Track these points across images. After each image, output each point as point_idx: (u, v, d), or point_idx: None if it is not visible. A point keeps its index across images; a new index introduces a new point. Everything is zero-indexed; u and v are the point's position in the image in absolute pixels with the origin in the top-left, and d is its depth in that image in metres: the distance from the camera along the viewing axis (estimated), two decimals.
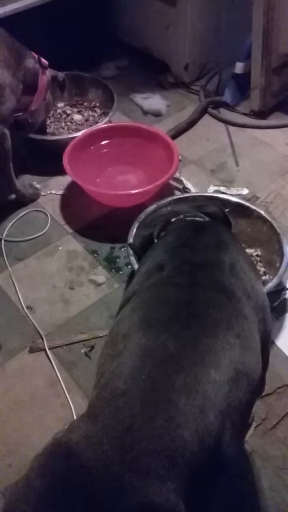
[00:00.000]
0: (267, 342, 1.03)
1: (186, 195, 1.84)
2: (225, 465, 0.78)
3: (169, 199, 1.74)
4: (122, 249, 1.77)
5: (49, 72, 1.94)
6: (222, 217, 1.22)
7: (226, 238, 1.07)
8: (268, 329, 1.03)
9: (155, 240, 1.17)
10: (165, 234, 1.13)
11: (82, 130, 2.09)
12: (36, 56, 1.86)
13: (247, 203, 1.71)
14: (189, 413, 0.73)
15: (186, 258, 1.00)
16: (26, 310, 1.60)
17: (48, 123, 2.18)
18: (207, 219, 1.17)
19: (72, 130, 2.18)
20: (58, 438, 0.75)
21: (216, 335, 0.84)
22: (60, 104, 2.29)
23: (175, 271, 0.98)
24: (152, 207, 1.69)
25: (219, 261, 0.98)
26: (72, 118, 2.25)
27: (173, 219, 1.18)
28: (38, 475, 0.71)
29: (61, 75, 2.02)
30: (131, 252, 1.56)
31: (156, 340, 0.83)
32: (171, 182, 1.97)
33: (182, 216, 1.17)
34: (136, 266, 1.52)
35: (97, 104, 2.31)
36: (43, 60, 1.87)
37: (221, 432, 0.75)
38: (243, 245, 1.67)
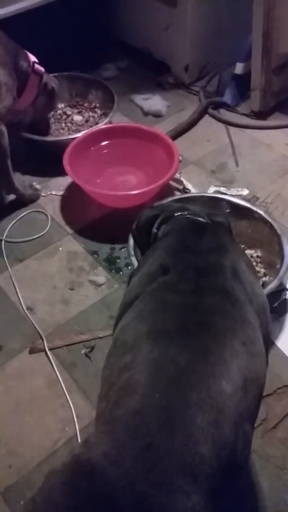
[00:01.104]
0: (267, 343, 1.03)
1: (186, 195, 1.84)
2: (238, 471, 0.79)
3: (170, 199, 1.74)
4: (122, 250, 1.77)
5: (44, 79, 1.94)
6: (227, 228, 1.23)
7: (227, 241, 1.08)
8: (268, 331, 1.03)
9: (155, 231, 1.17)
10: (166, 234, 1.13)
11: (82, 131, 2.09)
12: (31, 60, 1.86)
13: (247, 204, 1.71)
14: (205, 429, 0.74)
15: (189, 262, 1.00)
16: (26, 311, 1.61)
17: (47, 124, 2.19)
18: (208, 220, 1.17)
19: (72, 131, 2.18)
20: (78, 455, 0.74)
21: (224, 344, 0.84)
22: (61, 105, 2.29)
23: (179, 276, 0.97)
24: None
25: (221, 266, 0.98)
26: (72, 119, 2.25)
27: (176, 214, 1.18)
28: (61, 492, 0.71)
29: (50, 84, 2.00)
30: (132, 252, 1.56)
31: (166, 354, 0.82)
32: (171, 182, 1.97)
33: (186, 212, 1.17)
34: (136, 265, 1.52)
35: (97, 105, 2.31)
36: (37, 66, 1.87)
37: (234, 442, 0.76)
38: (243, 246, 1.67)
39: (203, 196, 1.78)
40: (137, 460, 0.70)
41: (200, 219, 1.15)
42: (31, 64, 1.86)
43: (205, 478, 0.71)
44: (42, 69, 1.90)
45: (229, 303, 0.92)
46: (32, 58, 1.88)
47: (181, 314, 0.90)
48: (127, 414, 0.76)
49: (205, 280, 0.96)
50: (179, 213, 1.17)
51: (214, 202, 1.72)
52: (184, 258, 1.01)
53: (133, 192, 1.82)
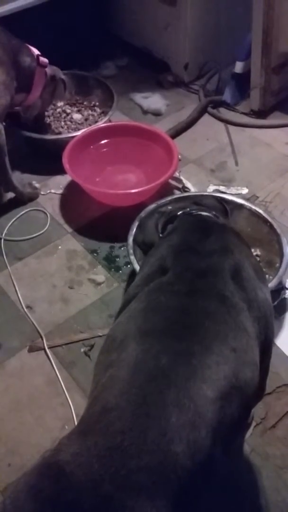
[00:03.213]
0: (268, 348, 1.02)
1: (185, 194, 1.84)
2: (215, 475, 0.77)
3: (169, 198, 1.74)
4: (122, 248, 1.77)
5: (49, 71, 1.94)
6: (220, 208, 1.21)
7: (232, 242, 1.05)
8: (270, 336, 1.01)
9: (159, 234, 1.16)
10: (171, 231, 1.12)
11: (81, 129, 2.09)
12: (35, 53, 1.86)
13: (246, 203, 1.71)
14: (180, 429, 0.72)
15: (189, 264, 0.98)
16: (25, 309, 1.60)
17: (48, 122, 2.19)
18: (213, 213, 1.16)
19: (72, 129, 2.18)
20: (47, 457, 0.73)
21: (211, 349, 0.83)
22: (60, 103, 2.29)
23: (176, 277, 0.96)
24: (152, 206, 1.69)
25: (222, 269, 0.96)
26: (71, 117, 2.25)
27: (179, 212, 1.17)
28: (27, 496, 0.70)
29: (59, 75, 2.01)
30: (131, 251, 1.56)
31: (149, 352, 0.81)
32: (171, 181, 1.97)
33: (188, 209, 1.16)
34: (136, 265, 1.52)
35: (97, 103, 2.31)
36: (42, 58, 1.87)
37: (212, 447, 0.74)
38: None
39: (202, 194, 1.78)
40: (105, 460, 0.69)
41: (204, 213, 1.14)
42: (36, 57, 1.86)
43: (176, 479, 0.69)
44: (46, 60, 1.90)
45: (224, 308, 0.90)
46: (36, 51, 1.88)
47: (171, 315, 0.89)
48: (102, 411, 0.75)
49: (202, 282, 0.94)
50: (182, 211, 1.17)
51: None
52: (185, 259, 1.00)
53: (133, 190, 1.82)
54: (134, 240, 1.55)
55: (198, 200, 1.27)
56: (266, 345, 0.99)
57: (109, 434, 0.71)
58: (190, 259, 0.99)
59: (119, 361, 0.83)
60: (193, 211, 1.17)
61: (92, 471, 0.68)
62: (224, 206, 1.25)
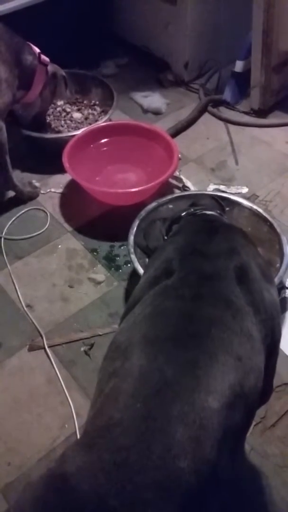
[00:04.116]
0: (275, 349, 1.01)
1: (185, 193, 1.84)
2: (221, 482, 0.77)
3: (169, 197, 1.74)
4: (122, 248, 1.77)
5: (50, 69, 1.94)
6: (217, 206, 1.21)
7: (239, 243, 1.03)
8: (276, 337, 1.00)
9: (164, 236, 1.15)
10: (176, 233, 1.11)
11: (81, 128, 2.09)
12: (36, 52, 1.86)
13: (246, 202, 1.71)
14: (185, 444, 0.71)
15: (195, 266, 0.96)
16: (25, 308, 1.61)
17: (48, 121, 2.19)
18: (217, 211, 1.15)
19: (72, 128, 2.18)
20: (53, 469, 0.73)
21: (216, 358, 0.81)
22: (60, 102, 2.29)
23: (181, 281, 0.94)
24: (152, 205, 1.69)
25: (228, 272, 0.94)
26: (71, 116, 2.25)
27: (183, 213, 1.16)
28: (33, 507, 0.70)
29: (60, 73, 2.02)
30: (131, 250, 1.56)
31: (153, 363, 0.80)
32: (171, 180, 1.97)
33: (192, 209, 1.15)
34: (136, 264, 1.52)
35: (97, 102, 2.31)
36: (43, 57, 1.88)
37: (216, 459, 0.74)
38: None
39: (202, 193, 1.78)
40: (111, 475, 0.68)
41: (209, 212, 1.13)
42: (37, 55, 1.86)
43: (181, 494, 0.69)
44: (47, 59, 1.90)
45: (230, 314, 0.88)
46: (37, 50, 1.88)
47: (176, 322, 0.87)
48: (106, 425, 0.74)
49: (207, 286, 0.92)
50: (185, 213, 1.16)
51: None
52: (191, 262, 0.98)
53: (133, 189, 1.82)
54: (137, 245, 1.55)
55: (195, 201, 1.27)
56: (273, 347, 0.98)
57: (114, 449, 0.71)
58: (195, 262, 0.97)
59: (123, 371, 0.82)
60: (197, 211, 1.16)
61: (97, 485, 0.68)
62: (219, 203, 1.24)
